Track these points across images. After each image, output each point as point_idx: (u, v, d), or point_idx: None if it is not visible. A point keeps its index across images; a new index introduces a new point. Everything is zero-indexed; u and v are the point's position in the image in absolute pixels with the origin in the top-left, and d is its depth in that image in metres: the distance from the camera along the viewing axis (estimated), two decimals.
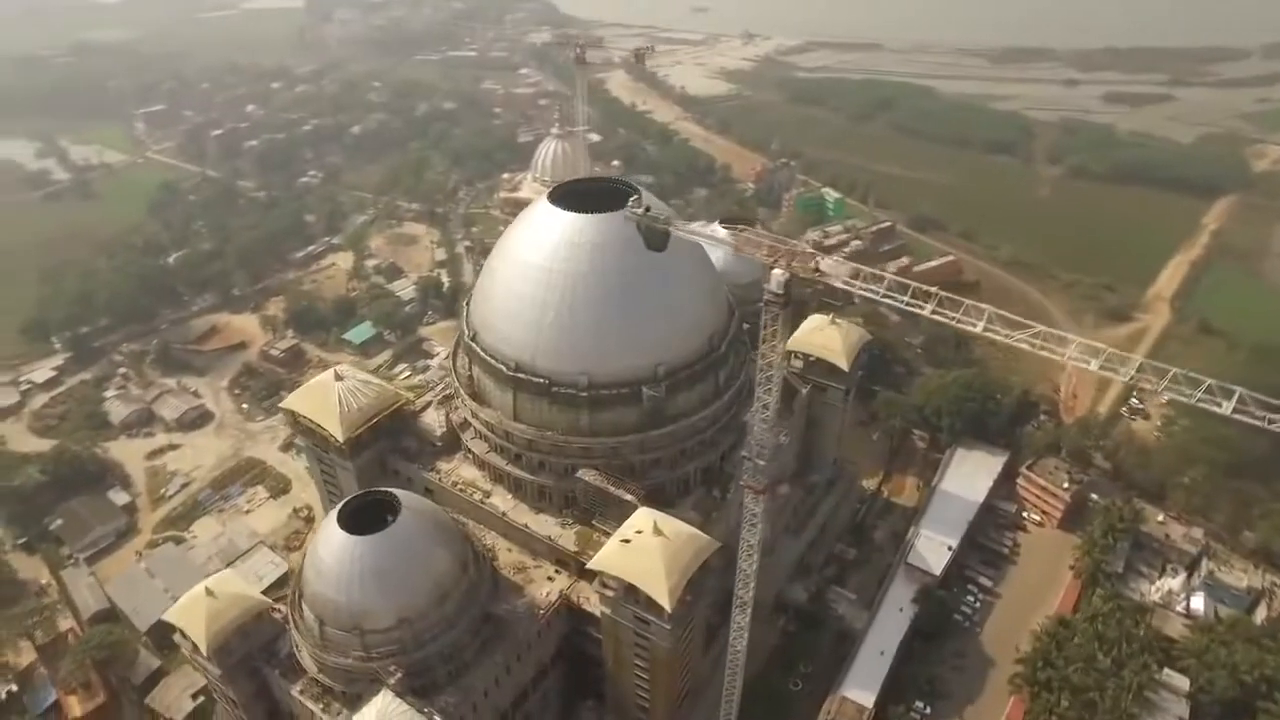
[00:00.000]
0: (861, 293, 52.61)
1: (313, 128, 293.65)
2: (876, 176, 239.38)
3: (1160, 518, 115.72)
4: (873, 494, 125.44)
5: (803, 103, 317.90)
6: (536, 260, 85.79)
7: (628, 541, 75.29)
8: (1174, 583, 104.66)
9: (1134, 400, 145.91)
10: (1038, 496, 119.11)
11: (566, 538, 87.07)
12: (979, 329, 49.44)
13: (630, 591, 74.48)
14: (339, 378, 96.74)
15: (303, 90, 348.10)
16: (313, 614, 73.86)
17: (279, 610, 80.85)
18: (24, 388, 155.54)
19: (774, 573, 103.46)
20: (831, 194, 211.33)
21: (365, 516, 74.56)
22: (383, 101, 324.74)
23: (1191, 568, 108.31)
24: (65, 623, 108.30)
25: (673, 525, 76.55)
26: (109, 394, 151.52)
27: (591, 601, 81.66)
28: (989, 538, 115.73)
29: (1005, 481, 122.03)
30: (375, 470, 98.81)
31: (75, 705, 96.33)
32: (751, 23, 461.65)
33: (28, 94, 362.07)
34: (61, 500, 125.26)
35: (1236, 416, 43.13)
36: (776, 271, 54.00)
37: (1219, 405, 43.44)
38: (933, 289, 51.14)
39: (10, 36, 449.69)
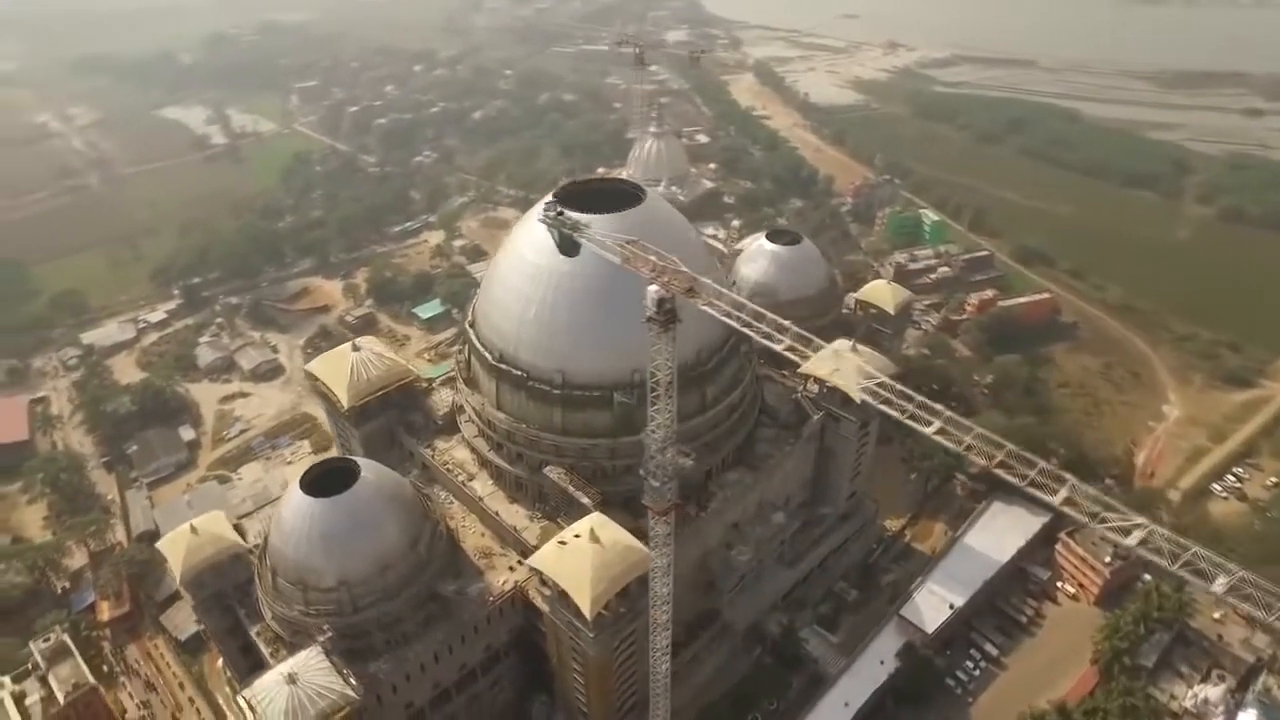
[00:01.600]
0: (737, 327, 49.54)
1: (439, 110, 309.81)
2: (991, 201, 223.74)
3: (1218, 614, 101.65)
4: (893, 536, 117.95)
5: (930, 118, 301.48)
6: (530, 256, 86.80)
7: (564, 544, 74.96)
8: (1214, 692, 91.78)
9: (1233, 475, 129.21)
10: (1076, 566, 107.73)
11: (531, 531, 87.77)
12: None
13: (563, 595, 74.15)
14: (356, 348, 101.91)
15: (439, 74, 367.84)
16: (270, 564, 78.66)
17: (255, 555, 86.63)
18: (140, 326, 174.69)
19: (756, 600, 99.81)
20: (930, 215, 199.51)
21: (330, 481, 78.38)
22: (509, 89, 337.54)
23: (1245, 679, 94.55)
24: (117, 537, 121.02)
25: (612, 534, 75.36)
26: (203, 340, 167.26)
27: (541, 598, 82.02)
28: (1009, 603, 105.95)
29: (1043, 545, 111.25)
30: (384, 440, 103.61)
31: (105, 610, 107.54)
32: (900, 32, 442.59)
33: (212, 67, 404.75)
34: (141, 429, 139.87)
35: None
36: (652, 288, 51.79)
37: None
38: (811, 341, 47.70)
39: (208, 15, 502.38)
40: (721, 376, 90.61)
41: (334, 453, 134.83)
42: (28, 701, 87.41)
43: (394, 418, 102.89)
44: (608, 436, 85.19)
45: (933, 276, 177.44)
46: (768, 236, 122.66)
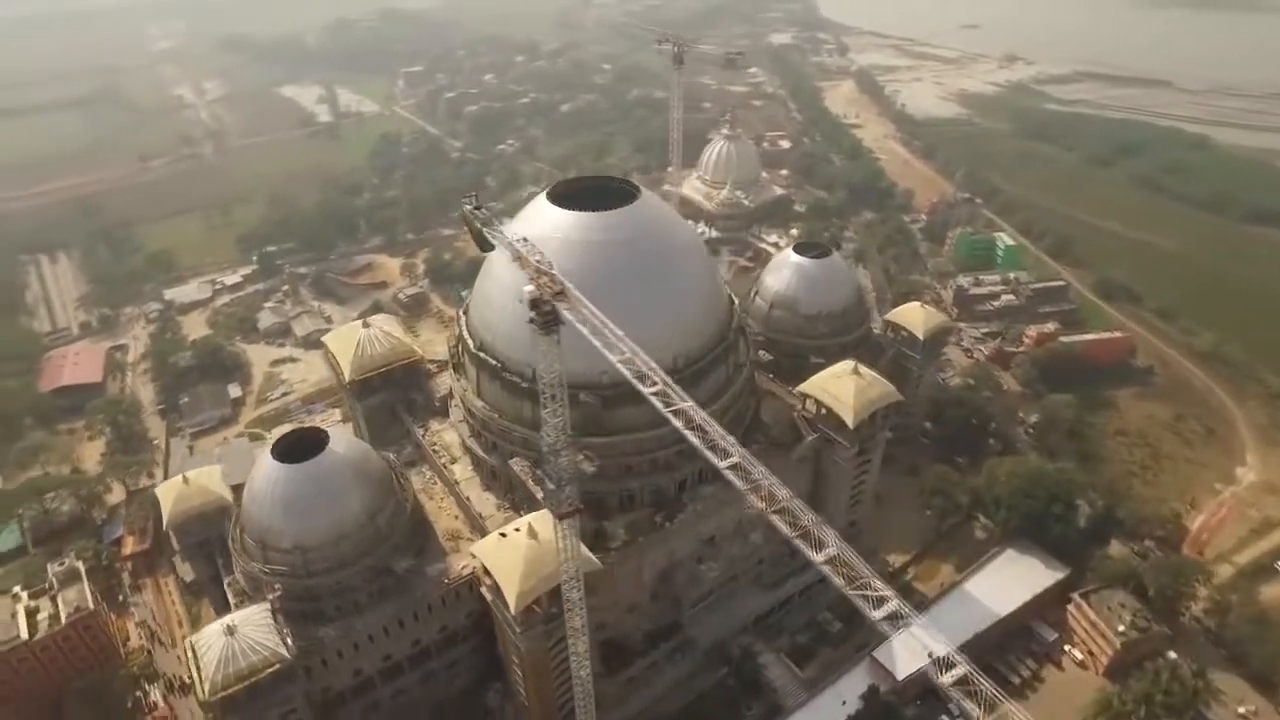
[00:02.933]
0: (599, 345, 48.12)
1: (530, 101, 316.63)
2: (1084, 229, 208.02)
3: (1244, 709, 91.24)
4: (894, 571, 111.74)
5: (1034, 137, 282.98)
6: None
7: (504, 536, 75.26)
8: None
9: None
10: (1086, 632, 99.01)
11: (495, 520, 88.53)
12: None
13: (497, 587, 74.46)
14: (366, 325, 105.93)
15: (539, 66, 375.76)
16: (241, 521, 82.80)
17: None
18: (216, 287, 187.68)
19: (725, 619, 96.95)
20: (1005, 239, 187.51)
21: (303, 449, 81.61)
22: (603, 84, 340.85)
23: None
24: (155, 479, 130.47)
25: (548, 533, 74.77)
26: (267, 305, 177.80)
27: None
28: (1005, 661, 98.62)
29: (1055, 604, 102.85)
30: (385, 416, 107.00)
31: (130, 544, 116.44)
32: (1022, 45, 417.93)
33: (332, 50, 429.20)
34: (196, 383, 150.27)
35: None
36: (527, 287, 51.02)
37: None
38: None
39: (338, 1, 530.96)
40: (700, 386, 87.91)
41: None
42: (38, 616, 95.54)
43: (396, 395, 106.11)
44: (574, 435, 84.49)
45: (996, 304, 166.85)
46: (795, 248, 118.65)
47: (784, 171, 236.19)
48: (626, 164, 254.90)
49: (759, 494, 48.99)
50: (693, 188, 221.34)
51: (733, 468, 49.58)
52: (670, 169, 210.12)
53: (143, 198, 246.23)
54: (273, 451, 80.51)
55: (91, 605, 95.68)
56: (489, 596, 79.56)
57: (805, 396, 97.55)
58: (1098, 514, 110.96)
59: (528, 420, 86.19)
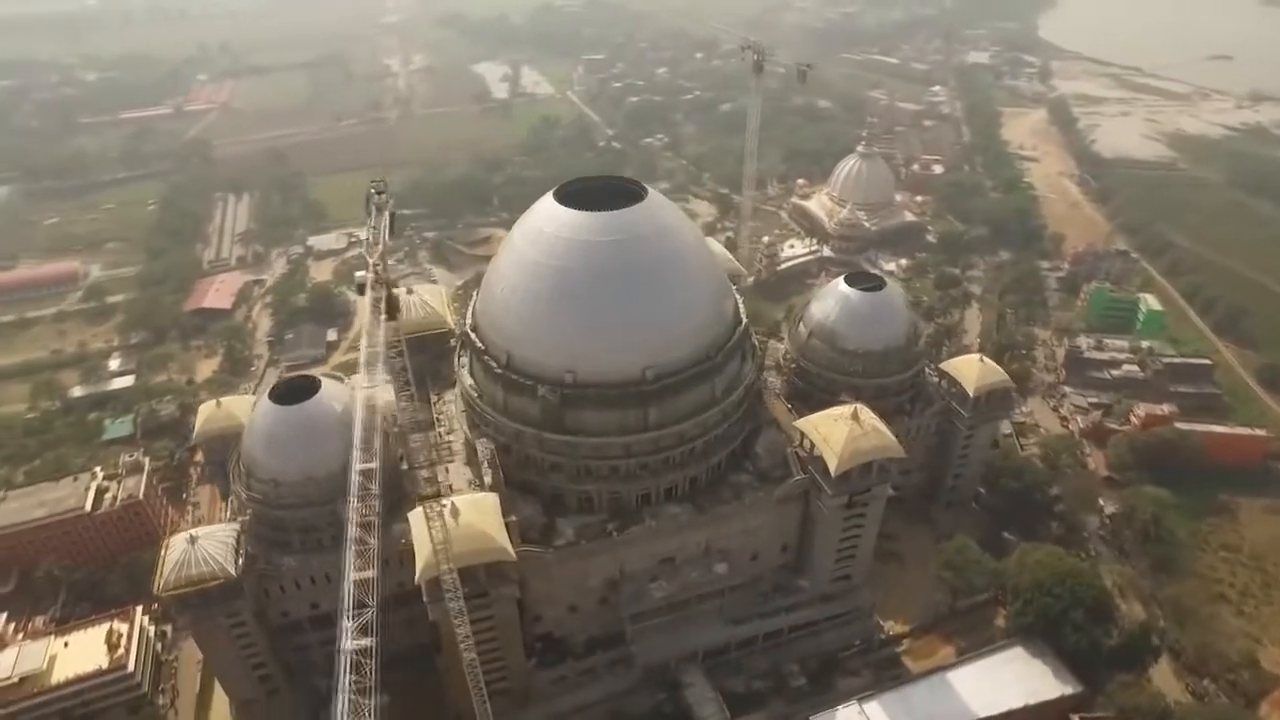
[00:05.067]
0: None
1: (693, 98, 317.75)
2: (1271, 304, 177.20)
3: None
4: (886, 640, 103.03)
5: (1251, 191, 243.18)
6: (518, 238, 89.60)
7: (432, 506, 78.18)
8: None
9: None
10: None
11: (461, 494, 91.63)
12: None
13: None
14: (410, 292, 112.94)
15: (715, 64, 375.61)
16: (241, 448, 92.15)
17: None
18: (351, 240, 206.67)
19: (672, 644, 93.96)
20: (1151, 303, 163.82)
21: (299, 393, 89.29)
22: (770, 87, 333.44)
23: None
24: None
25: (479, 515, 77.18)
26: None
27: None
28: None
29: None
30: (416, 378, 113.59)
31: (199, 452, 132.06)
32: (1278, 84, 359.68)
33: (530, 31, 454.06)
34: (303, 322, 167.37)
35: None
36: (359, 273, 52.14)
37: None
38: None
39: None
40: (673, 403, 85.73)
41: None
42: (105, 496, 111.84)
43: (424, 362, 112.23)
44: (535, 427, 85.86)
45: (1115, 373, 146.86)
46: (846, 278, 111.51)
47: (919, 197, 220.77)
48: (764, 171, 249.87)
49: None
50: (819, 203, 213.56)
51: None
52: (828, 190, 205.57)
53: (324, 152, 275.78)
54: (271, 392, 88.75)
55: (141, 495, 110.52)
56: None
57: (801, 433, 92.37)
58: (1138, 630, 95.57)
59: (499, 405, 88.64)
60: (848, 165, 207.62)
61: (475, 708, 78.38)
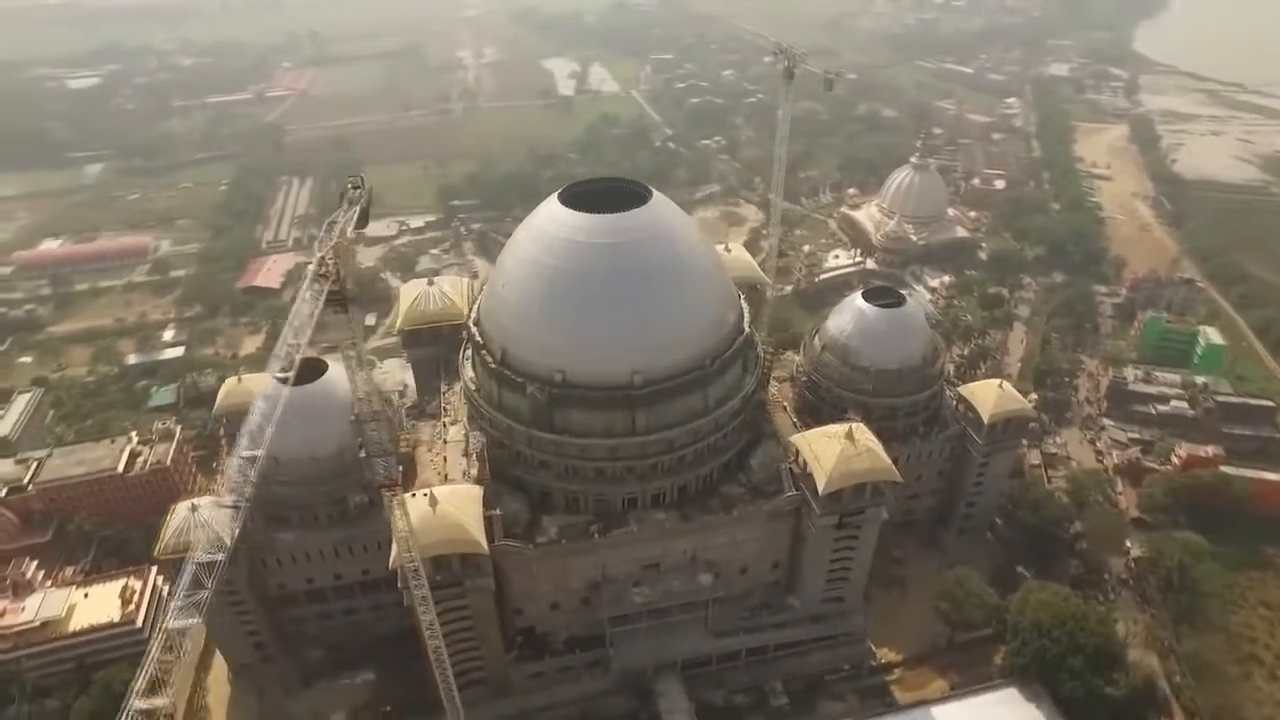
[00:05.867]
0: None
1: (755, 101, 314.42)
2: None
3: None
4: (877, 667, 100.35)
5: None
6: (522, 238, 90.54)
7: (413, 497, 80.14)
8: None
9: None
10: None
11: (455, 483, 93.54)
12: None
13: None
14: (430, 283, 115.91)
15: (782, 67, 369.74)
16: None
17: None
18: (401, 228, 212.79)
19: (652, 650, 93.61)
20: (1211, 337, 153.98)
21: (306, 375, 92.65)
22: (835, 94, 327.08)
23: None
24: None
25: (456, 507, 78.78)
26: (431, 251, 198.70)
27: None
28: None
29: None
30: (429, 368, 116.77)
31: None
32: None
33: (604, 29, 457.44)
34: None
35: None
36: (310, 264, 53.26)
37: None
38: None
39: None
40: (662, 410, 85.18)
41: None
42: (137, 459, 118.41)
43: (440, 351, 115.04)
44: (525, 424, 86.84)
45: (1161, 408, 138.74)
46: (864, 293, 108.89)
47: (973, 213, 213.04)
48: (817, 176, 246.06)
49: None
50: (868, 214, 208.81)
51: None
52: (878, 201, 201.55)
53: (388, 141, 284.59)
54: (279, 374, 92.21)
55: (169, 462, 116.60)
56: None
57: (795, 449, 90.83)
58: (1144, 683, 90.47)
59: (494, 400, 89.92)
60: (900, 176, 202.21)
61: (442, 694, 79.96)
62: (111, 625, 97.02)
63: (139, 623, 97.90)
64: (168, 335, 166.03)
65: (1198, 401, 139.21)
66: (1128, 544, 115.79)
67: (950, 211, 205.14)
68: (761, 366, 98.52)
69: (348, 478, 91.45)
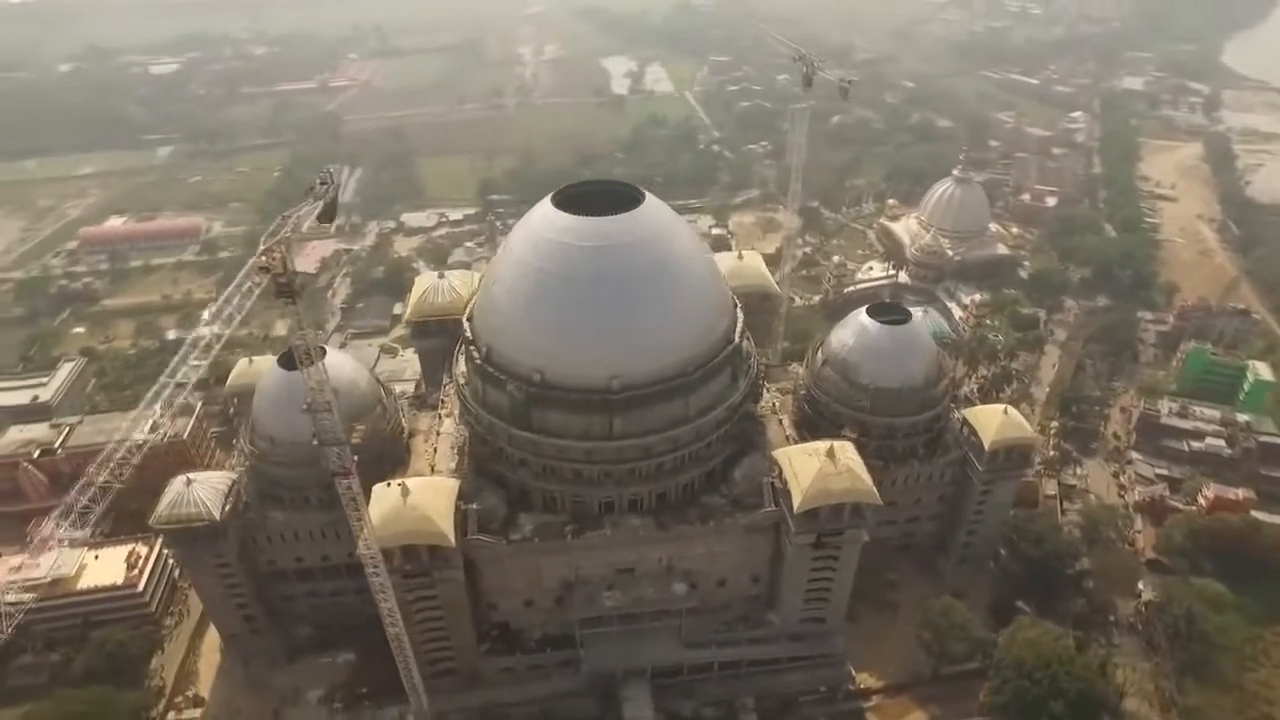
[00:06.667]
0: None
1: (805, 106, 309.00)
2: None
3: None
4: (855, 691, 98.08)
5: None
6: (515, 239, 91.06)
7: (388, 486, 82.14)
8: None
9: None
10: None
11: (441, 474, 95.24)
12: None
13: None
14: (441, 276, 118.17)
15: (840, 73, 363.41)
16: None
17: None
18: (440, 219, 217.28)
19: (621, 656, 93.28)
20: (1261, 373, 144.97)
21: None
22: (891, 102, 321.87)
23: None
24: None
25: (427, 500, 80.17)
26: (467, 243, 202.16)
27: None
28: None
29: None
30: (437, 359, 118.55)
31: None
32: None
33: (665, 30, 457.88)
34: (376, 294, 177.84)
35: None
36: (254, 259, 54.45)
37: None
38: None
39: None
40: (640, 416, 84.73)
41: None
42: (155, 433, 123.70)
43: (446, 344, 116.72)
44: (505, 422, 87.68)
45: (1195, 445, 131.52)
46: (869, 309, 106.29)
47: (1015, 229, 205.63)
48: (864, 187, 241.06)
49: None
50: (905, 226, 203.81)
51: None
52: (917, 214, 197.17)
53: (439, 133, 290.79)
54: (280, 357, 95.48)
55: (185, 435, 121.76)
56: None
57: (776, 464, 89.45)
58: None
59: (479, 396, 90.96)
60: (941, 189, 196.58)
61: (404, 680, 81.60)
62: (114, 588, 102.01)
63: (140, 587, 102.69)
64: (207, 314, 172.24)
65: (1236, 440, 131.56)
66: (1140, 586, 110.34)
67: (992, 227, 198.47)
68: (753, 378, 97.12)
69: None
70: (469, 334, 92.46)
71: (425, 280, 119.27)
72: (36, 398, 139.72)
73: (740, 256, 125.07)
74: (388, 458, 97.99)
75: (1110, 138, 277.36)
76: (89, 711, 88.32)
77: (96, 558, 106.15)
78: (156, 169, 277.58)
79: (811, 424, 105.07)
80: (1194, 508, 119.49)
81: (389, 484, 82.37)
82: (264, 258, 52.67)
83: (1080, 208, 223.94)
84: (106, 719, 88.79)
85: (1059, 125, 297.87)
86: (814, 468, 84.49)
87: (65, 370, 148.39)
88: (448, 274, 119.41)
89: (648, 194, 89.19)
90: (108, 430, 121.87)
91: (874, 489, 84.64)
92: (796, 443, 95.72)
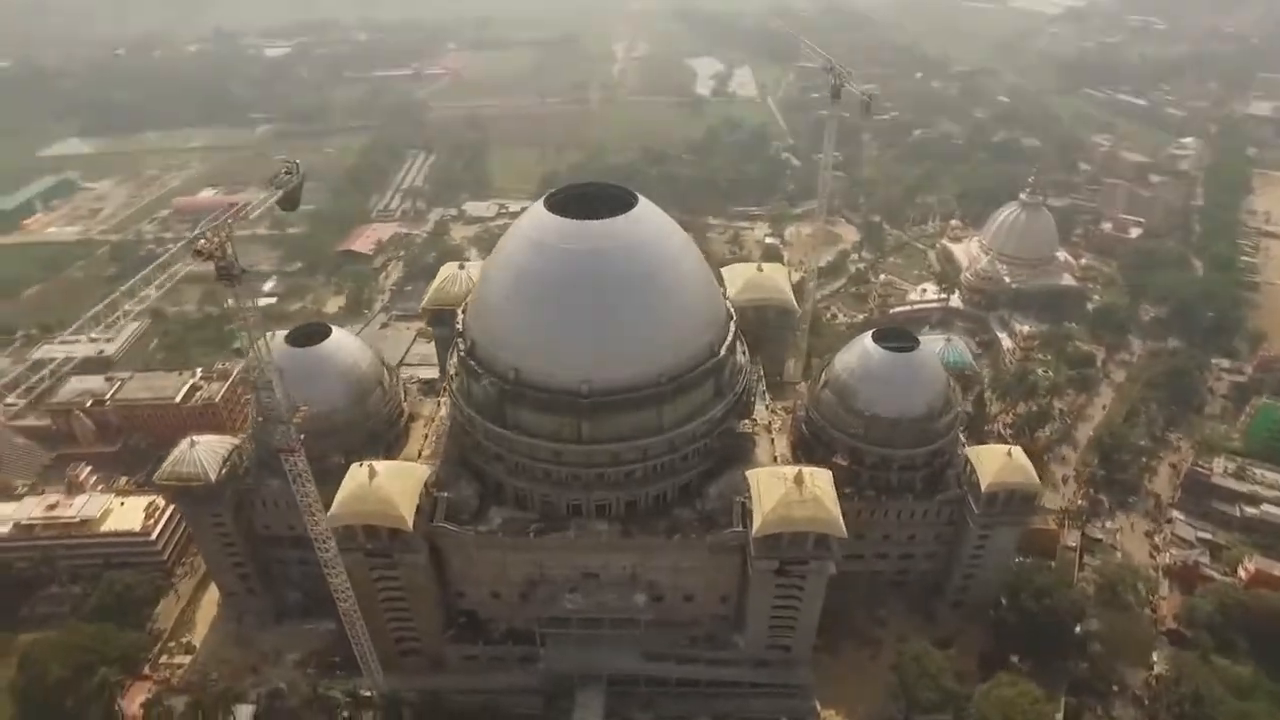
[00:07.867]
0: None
1: (889, 119, 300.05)
2: None
3: None
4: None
5: None
6: (508, 232, 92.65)
7: (359, 466, 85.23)
8: None
9: None
10: None
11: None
12: None
13: None
14: (461, 267, 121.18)
15: (933, 85, 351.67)
16: None
17: None
18: (500, 210, 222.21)
19: (582, 660, 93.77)
20: None
21: (314, 338, 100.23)
22: (979, 117, 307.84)
23: None
24: None
25: (396, 485, 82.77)
26: None
27: None
28: None
29: None
30: (449, 347, 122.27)
31: None
32: None
33: (758, 34, 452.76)
34: (425, 278, 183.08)
35: None
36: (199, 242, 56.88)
37: None
38: None
39: None
40: (610, 423, 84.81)
41: None
42: (196, 393, 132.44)
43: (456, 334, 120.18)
44: (482, 415, 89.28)
45: (1250, 510, 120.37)
46: (874, 334, 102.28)
47: (1086, 260, 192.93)
48: (934, 205, 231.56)
49: None
50: (965, 249, 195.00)
51: None
52: (979, 237, 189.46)
53: (516, 126, 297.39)
54: (289, 335, 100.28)
55: (218, 399, 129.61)
56: None
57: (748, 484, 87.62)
58: None
59: (463, 388, 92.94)
60: (1006, 212, 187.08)
61: (356, 654, 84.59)
62: (131, 534, 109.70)
63: (154, 536, 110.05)
64: (267, 286, 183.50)
65: None
66: (1154, 657, 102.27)
67: (1061, 256, 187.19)
68: (740, 393, 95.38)
69: (331, 439, 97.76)
70: (459, 326, 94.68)
71: (447, 270, 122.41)
72: (102, 351, 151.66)
73: (760, 269, 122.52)
74: (381, 439, 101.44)
75: (1219, 166, 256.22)
76: (90, 645, 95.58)
77: (122, 504, 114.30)
78: (252, 146, 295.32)
79: (808, 446, 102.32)
80: (1231, 579, 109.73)
81: (361, 464, 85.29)
82: (201, 242, 55.27)
83: (1167, 241, 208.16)
84: (105, 654, 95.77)
85: (1163, 151, 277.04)
86: (779, 493, 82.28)
87: (130, 329, 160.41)
88: (467, 265, 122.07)
89: (641, 199, 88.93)
90: (155, 386, 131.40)
91: (839, 521, 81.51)
92: (789, 463, 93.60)
